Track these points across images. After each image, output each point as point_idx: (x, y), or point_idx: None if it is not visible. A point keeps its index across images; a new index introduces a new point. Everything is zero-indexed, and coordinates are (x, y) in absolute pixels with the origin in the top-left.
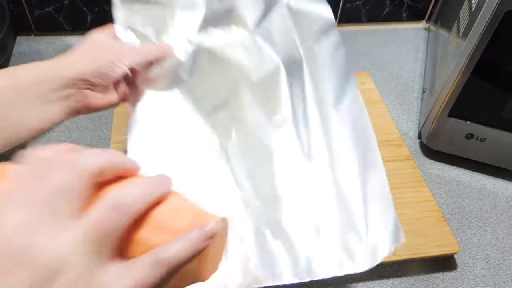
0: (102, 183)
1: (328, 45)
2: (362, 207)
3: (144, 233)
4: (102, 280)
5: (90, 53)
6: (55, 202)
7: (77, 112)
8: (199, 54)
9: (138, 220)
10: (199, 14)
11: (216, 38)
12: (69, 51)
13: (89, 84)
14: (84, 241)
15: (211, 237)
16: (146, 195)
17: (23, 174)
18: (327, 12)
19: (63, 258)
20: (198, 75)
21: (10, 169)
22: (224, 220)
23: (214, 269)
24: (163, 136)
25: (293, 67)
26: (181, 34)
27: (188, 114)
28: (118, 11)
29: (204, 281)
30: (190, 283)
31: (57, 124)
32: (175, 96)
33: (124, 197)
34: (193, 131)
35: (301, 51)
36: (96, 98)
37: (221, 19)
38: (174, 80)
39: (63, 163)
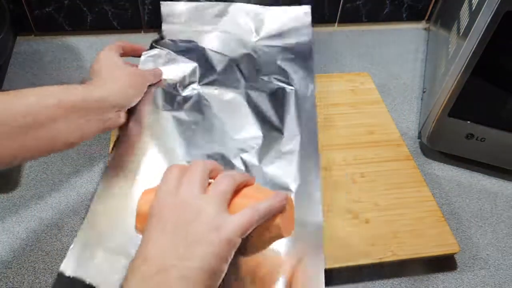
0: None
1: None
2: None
3: (240, 201)
4: (223, 220)
5: (129, 82)
6: (195, 182)
7: (108, 129)
8: (199, 100)
9: (235, 195)
10: (212, 77)
11: (216, 95)
12: (100, 75)
13: (127, 108)
14: (213, 197)
15: (285, 199)
16: (242, 176)
17: (175, 171)
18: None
19: (204, 206)
20: (200, 125)
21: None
22: (290, 197)
23: (289, 232)
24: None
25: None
26: (191, 81)
27: (182, 156)
28: (151, 58)
29: (284, 237)
30: (275, 238)
31: (86, 139)
32: (175, 139)
33: (231, 172)
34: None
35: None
36: (123, 117)
37: (226, 83)
38: (175, 121)
39: (195, 163)
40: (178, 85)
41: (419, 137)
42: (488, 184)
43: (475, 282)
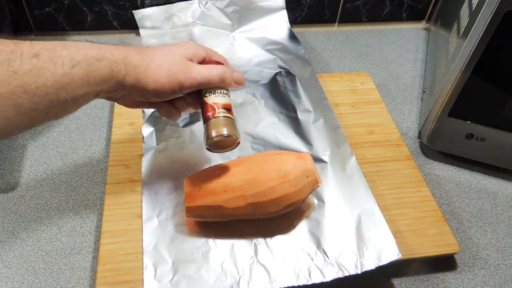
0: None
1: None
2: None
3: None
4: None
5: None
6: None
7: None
8: None
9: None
10: None
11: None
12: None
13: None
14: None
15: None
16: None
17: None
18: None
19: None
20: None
21: None
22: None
23: (320, 180)
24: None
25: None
26: None
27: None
28: None
29: (318, 183)
30: (312, 188)
31: None
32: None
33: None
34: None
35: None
36: None
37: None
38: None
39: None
40: None
41: (419, 137)
42: (488, 184)
43: (475, 282)
